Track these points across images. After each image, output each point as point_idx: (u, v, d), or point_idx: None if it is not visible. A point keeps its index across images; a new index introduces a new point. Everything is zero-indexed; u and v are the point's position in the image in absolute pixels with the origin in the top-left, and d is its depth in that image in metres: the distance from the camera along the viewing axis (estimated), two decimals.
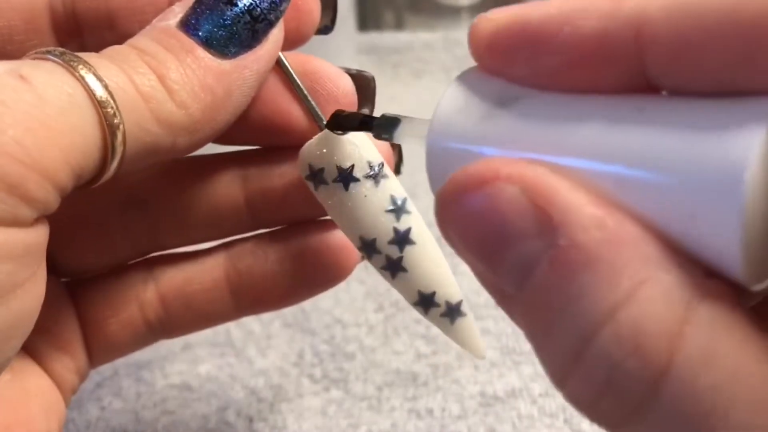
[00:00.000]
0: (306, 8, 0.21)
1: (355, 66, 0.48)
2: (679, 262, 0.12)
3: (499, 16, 0.15)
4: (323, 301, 0.38)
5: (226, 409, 0.34)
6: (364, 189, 0.21)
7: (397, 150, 0.23)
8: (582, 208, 0.13)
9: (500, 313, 0.38)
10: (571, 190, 0.13)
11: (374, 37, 0.60)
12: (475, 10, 0.66)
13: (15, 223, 0.16)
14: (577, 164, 0.13)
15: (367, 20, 0.63)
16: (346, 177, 0.21)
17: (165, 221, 0.23)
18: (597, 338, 0.12)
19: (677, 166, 0.13)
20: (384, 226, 0.21)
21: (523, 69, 0.15)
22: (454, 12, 0.66)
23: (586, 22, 0.14)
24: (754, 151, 0.12)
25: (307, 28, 0.21)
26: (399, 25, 0.65)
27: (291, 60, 0.21)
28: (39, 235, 0.17)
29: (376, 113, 0.23)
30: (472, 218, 0.14)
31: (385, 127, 0.18)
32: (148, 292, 0.23)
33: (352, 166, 0.21)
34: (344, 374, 0.35)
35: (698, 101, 0.13)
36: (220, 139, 0.22)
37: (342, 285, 0.38)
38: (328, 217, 0.22)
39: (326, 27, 0.22)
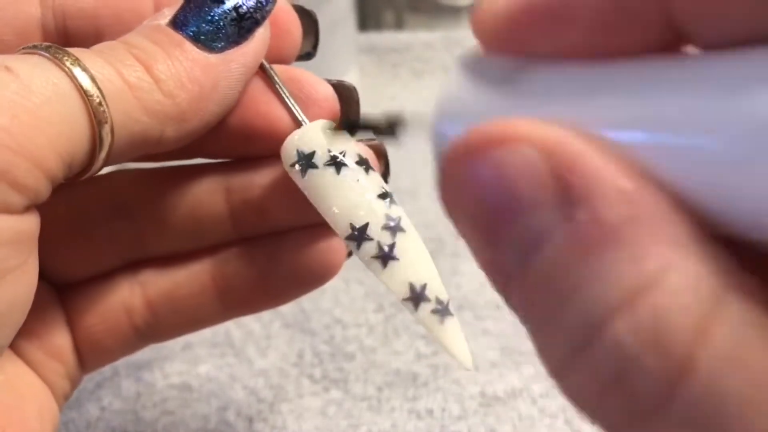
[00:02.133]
0: (286, 28, 0.22)
1: (355, 66, 0.48)
2: (713, 250, 0.11)
3: (503, 2, 0.13)
4: (323, 301, 0.38)
5: (226, 410, 0.34)
6: (356, 173, 0.20)
7: (384, 161, 0.23)
8: (609, 179, 0.11)
9: (500, 314, 0.38)
10: (599, 157, 0.11)
11: (374, 37, 0.60)
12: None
13: (4, 209, 0.16)
14: (604, 129, 0.12)
15: (367, 20, 0.63)
16: (338, 161, 0.20)
17: (150, 229, 0.23)
18: (610, 326, 0.11)
19: (715, 125, 0.11)
20: (378, 211, 0.20)
21: (543, 46, 0.13)
22: (454, 12, 0.66)
23: None
24: None
25: (289, 49, 0.22)
26: (399, 25, 0.64)
27: (272, 68, 0.22)
28: (30, 223, 0.17)
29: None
30: (479, 183, 0.12)
31: (393, 126, 0.18)
32: (135, 298, 0.23)
33: (344, 152, 0.20)
34: (344, 374, 0.35)
35: (732, 54, 0.11)
36: (204, 152, 0.22)
37: (342, 285, 0.39)
38: (313, 221, 0.22)
39: (308, 54, 0.23)
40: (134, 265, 0.24)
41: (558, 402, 0.33)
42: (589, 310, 0.11)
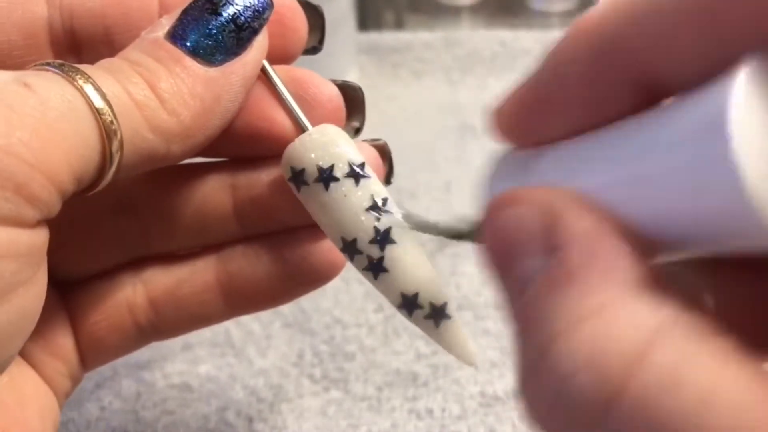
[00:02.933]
0: (292, 26, 0.22)
1: (355, 66, 0.48)
2: (661, 289, 0.13)
3: (500, 104, 0.16)
4: (323, 301, 0.38)
5: (226, 409, 0.34)
6: (344, 188, 0.21)
7: (388, 161, 0.23)
8: (578, 232, 0.13)
9: (500, 314, 0.38)
10: (575, 214, 0.14)
11: (374, 37, 0.59)
12: (475, 10, 0.66)
13: (19, 223, 0.16)
14: (584, 187, 0.14)
15: (367, 20, 0.63)
16: (326, 177, 0.21)
17: (155, 227, 0.23)
18: (552, 349, 0.12)
19: (669, 148, 0.13)
20: (364, 225, 0.21)
21: (540, 136, 0.16)
22: (454, 12, 0.66)
23: (570, 69, 0.15)
24: (732, 96, 0.12)
25: (295, 46, 0.22)
26: (399, 24, 0.64)
27: (277, 71, 0.22)
28: (41, 236, 0.17)
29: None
30: (496, 233, 0.15)
31: (467, 234, 0.19)
32: (138, 295, 0.23)
33: (332, 165, 0.21)
34: (344, 374, 0.35)
35: (691, 93, 0.13)
36: (207, 152, 0.22)
37: (342, 285, 0.39)
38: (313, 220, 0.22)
39: (314, 48, 0.23)
40: (137, 262, 0.24)
41: None
42: (540, 336, 0.13)
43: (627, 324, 0.12)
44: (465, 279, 0.39)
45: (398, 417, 0.33)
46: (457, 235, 0.19)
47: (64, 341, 0.22)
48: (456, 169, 0.47)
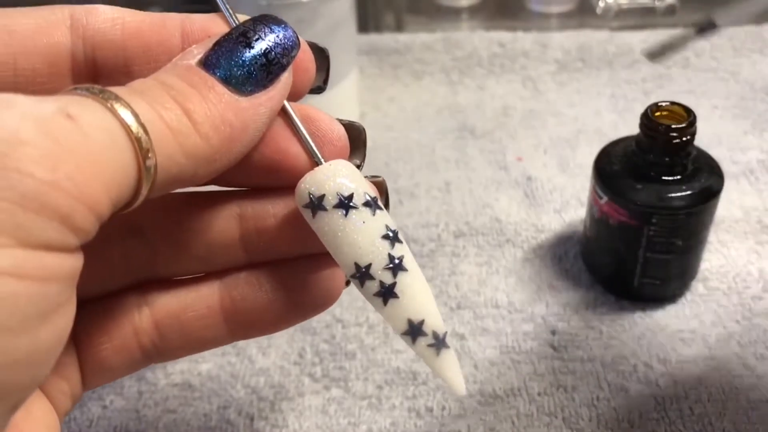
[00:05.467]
0: (303, 66, 0.23)
1: (355, 67, 0.48)
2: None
3: None
4: None
5: (227, 408, 0.34)
6: (362, 216, 0.21)
7: (385, 195, 0.24)
8: None
9: (500, 313, 0.38)
10: None
11: (374, 38, 0.60)
12: (475, 11, 0.66)
13: (64, 249, 0.17)
14: None
15: (367, 21, 0.63)
16: (345, 204, 0.21)
17: (162, 252, 0.23)
18: None
19: None
20: (380, 252, 0.21)
21: None
22: (454, 13, 0.66)
23: None
24: None
25: (303, 85, 0.23)
26: (399, 26, 0.65)
27: (291, 107, 0.23)
28: (79, 260, 0.18)
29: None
30: None
31: None
32: (143, 318, 0.24)
33: (351, 194, 0.21)
34: (344, 373, 0.35)
35: None
36: (220, 181, 0.23)
37: None
38: (319, 250, 0.23)
39: (319, 87, 0.24)
40: (143, 285, 0.24)
41: (556, 400, 0.34)
42: None
43: None
44: (464, 279, 0.39)
45: (398, 415, 0.33)
46: None
47: (68, 361, 0.23)
48: (455, 169, 0.48)
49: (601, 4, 0.62)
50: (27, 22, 0.21)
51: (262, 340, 0.37)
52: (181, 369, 0.35)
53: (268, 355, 0.36)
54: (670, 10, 0.62)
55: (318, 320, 0.37)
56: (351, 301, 0.38)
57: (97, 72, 0.22)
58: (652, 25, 0.60)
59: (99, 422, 0.33)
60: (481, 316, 0.37)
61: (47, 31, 0.21)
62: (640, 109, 0.38)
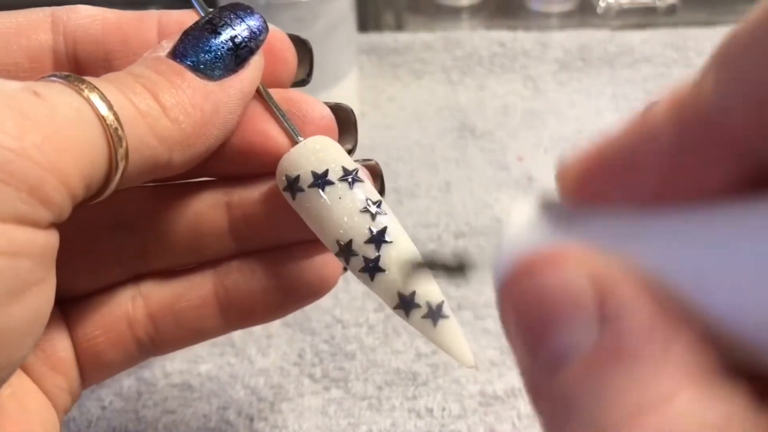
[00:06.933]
0: (282, 56, 0.23)
1: (355, 66, 0.48)
2: (729, 385, 0.11)
3: (580, 156, 0.15)
4: (323, 300, 0.38)
5: (227, 409, 0.34)
6: (338, 191, 0.21)
7: (379, 180, 0.23)
8: (638, 306, 0.12)
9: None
10: (633, 287, 0.12)
11: (374, 38, 0.60)
12: (475, 10, 0.66)
13: (34, 223, 0.16)
14: (649, 259, 0.13)
15: (367, 21, 0.63)
16: (321, 181, 0.21)
17: (153, 244, 0.24)
18: None
19: (744, 270, 0.12)
20: (359, 226, 0.21)
21: (617, 193, 0.14)
22: (454, 12, 0.66)
23: (664, 133, 0.13)
24: None
25: (284, 75, 0.23)
26: (399, 25, 0.65)
27: (271, 92, 0.23)
28: (52, 238, 0.17)
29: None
30: (529, 296, 0.13)
31: (462, 266, 0.17)
32: (137, 310, 0.24)
33: (327, 170, 0.21)
34: (344, 374, 0.35)
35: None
36: (204, 171, 0.23)
37: (342, 285, 0.39)
38: (310, 237, 0.22)
39: (303, 80, 0.24)
40: (136, 278, 0.24)
41: None
42: (586, 424, 0.11)
43: (692, 421, 0.10)
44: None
45: (398, 416, 0.33)
46: (454, 268, 0.18)
47: (64, 355, 0.23)
48: (455, 169, 0.47)
49: (602, 4, 0.62)
50: (9, 21, 0.21)
51: (262, 340, 0.37)
52: (180, 369, 0.35)
53: (268, 356, 0.36)
54: (671, 10, 0.62)
55: (318, 320, 0.37)
56: (351, 301, 0.38)
57: (78, 66, 0.22)
58: (653, 25, 0.60)
59: (98, 423, 0.33)
60: (481, 316, 0.37)
61: (29, 27, 0.21)
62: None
